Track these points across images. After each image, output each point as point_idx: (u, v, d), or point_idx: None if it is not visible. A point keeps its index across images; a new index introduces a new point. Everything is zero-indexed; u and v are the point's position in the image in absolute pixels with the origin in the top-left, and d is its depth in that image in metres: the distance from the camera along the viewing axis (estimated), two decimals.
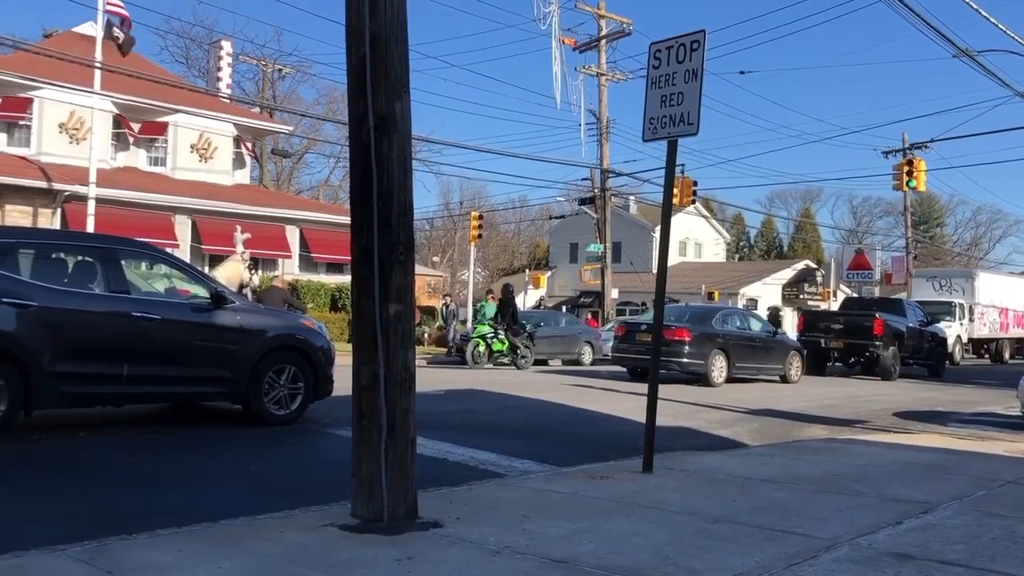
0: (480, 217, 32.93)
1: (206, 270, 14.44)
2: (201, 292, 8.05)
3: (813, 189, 71.09)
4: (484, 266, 59.30)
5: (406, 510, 4.20)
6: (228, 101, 30.94)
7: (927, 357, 21.51)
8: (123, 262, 7.61)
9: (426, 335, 28.50)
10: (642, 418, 6.27)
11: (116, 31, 20.19)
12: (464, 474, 6.02)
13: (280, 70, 41.01)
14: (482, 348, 19.49)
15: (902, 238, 42.10)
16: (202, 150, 27.94)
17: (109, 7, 19.91)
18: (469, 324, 24.56)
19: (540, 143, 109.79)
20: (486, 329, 19.78)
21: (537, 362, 21.91)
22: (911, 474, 6.24)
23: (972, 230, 74.66)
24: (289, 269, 27.10)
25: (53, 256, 7.45)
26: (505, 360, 19.90)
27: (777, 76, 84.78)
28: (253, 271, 16.73)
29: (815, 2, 77.24)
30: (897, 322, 20.46)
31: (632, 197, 45.78)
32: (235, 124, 29.24)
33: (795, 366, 17.59)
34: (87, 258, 7.53)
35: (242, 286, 15.10)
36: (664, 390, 8.86)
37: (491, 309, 21.19)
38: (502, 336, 19.70)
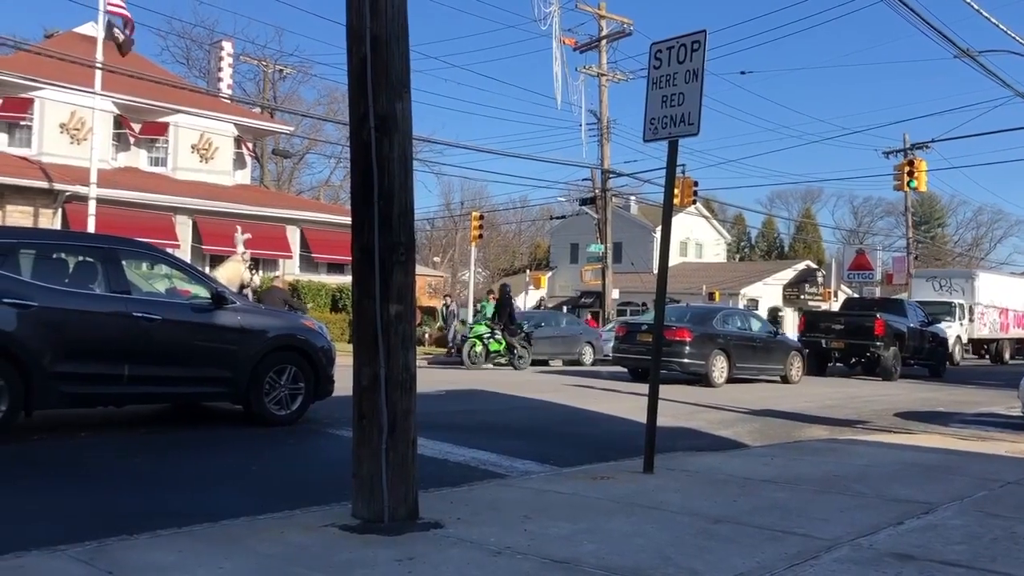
0: (481, 217, 32.92)
1: (207, 270, 14.44)
2: (202, 292, 8.05)
3: (814, 189, 71.16)
4: (485, 266, 59.30)
5: (407, 511, 4.19)
6: (229, 101, 30.95)
7: (928, 357, 21.50)
8: (124, 262, 7.61)
9: (427, 335, 28.50)
10: (643, 418, 6.27)
11: (117, 32, 20.19)
12: (465, 474, 6.02)
13: (281, 70, 41.05)
14: (479, 348, 19.44)
15: (903, 238, 42.15)
16: (203, 150, 27.96)
17: (111, 8, 19.90)
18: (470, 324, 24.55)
19: (541, 143, 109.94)
20: (483, 329, 19.73)
21: (538, 362, 21.90)
22: (912, 474, 6.23)
23: (973, 230, 74.72)
24: (290, 269, 27.11)
25: (54, 256, 7.46)
26: (502, 360, 19.84)
27: (778, 76, 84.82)
28: (254, 271, 16.71)
29: (816, 2, 77.30)
30: (898, 322, 20.46)
31: (633, 197, 45.77)
32: (236, 124, 29.25)
33: (796, 366, 17.58)
34: (88, 258, 7.53)
35: (243, 286, 15.09)
36: (665, 390, 8.86)
37: (492, 309, 21.19)
38: (499, 336, 19.64)
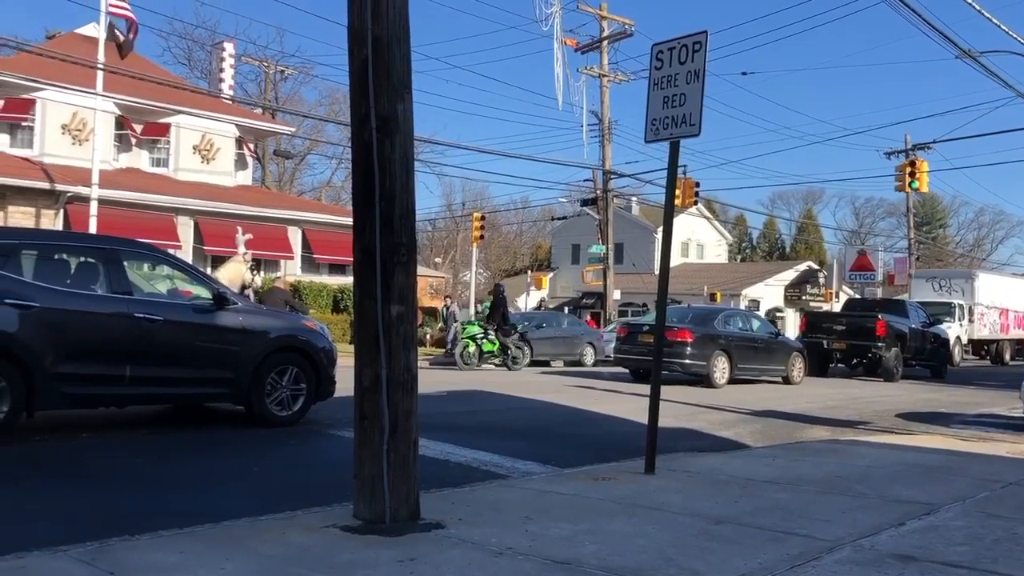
0: (482, 218, 32.93)
1: (208, 271, 14.45)
2: (203, 293, 8.05)
3: (815, 190, 71.12)
4: (486, 267, 59.31)
5: (408, 511, 4.20)
6: (230, 102, 30.97)
7: (929, 358, 21.49)
8: (125, 263, 7.62)
9: (428, 336, 28.51)
10: (644, 419, 6.28)
11: (119, 33, 20.20)
12: (466, 475, 6.03)
13: (282, 71, 41.10)
14: (472, 349, 19.32)
15: (904, 239, 42.14)
16: (204, 151, 27.98)
17: (114, 10, 19.91)
18: None
19: (542, 144, 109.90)
20: (476, 330, 19.63)
21: (539, 363, 21.89)
22: (914, 475, 6.23)
23: (975, 231, 74.64)
24: (291, 270, 27.13)
25: (55, 257, 7.47)
26: (496, 361, 19.74)
27: (779, 77, 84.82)
28: (255, 272, 16.70)
29: (817, 3, 77.18)
30: (899, 323, 20.45)
31: (634, 198, 45.75)
32: (237, 125, 29.27)
33: (797, 367, 17.57)
34: (89, 259, 7.54)
35: (244, 287, 15.09)
36: (666, 391, 8.87)
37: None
38: (492, 336, 19.52)
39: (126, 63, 21.10)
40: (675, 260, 43.90)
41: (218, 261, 20.86)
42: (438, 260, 58.54)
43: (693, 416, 10.59)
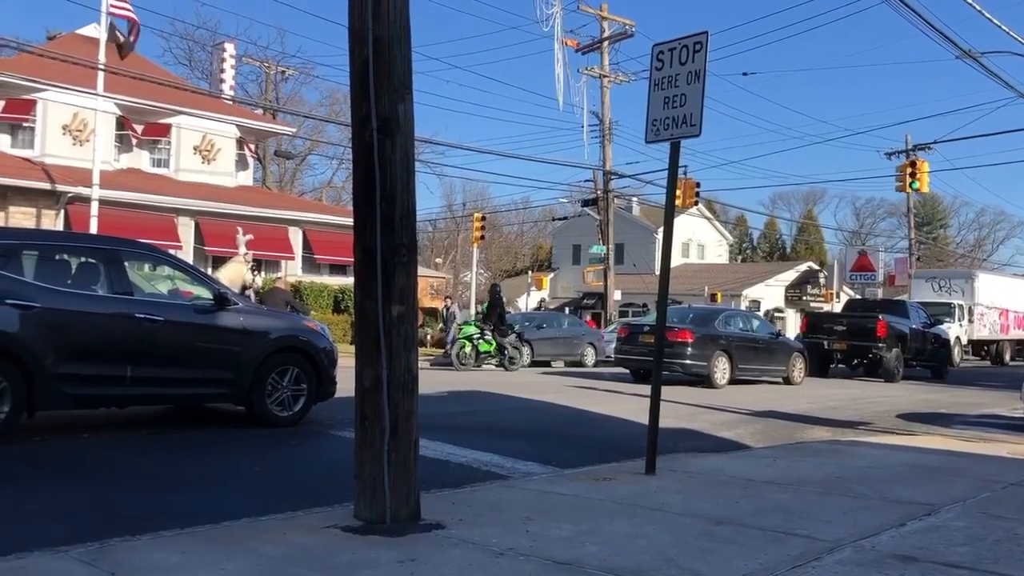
0: (483, 219, 32.92)
1: (209, 272, 14.46)
2: (204, 293, 8.05)
3: (816, 190, 71.14)
4: (487, 267, 59.31)
5: (409, 512, 4.20)
6: (231, 103, 30.99)
7: (930, 359, 21.48)
8: (126, 263, 7.62)
9: (428, 337, 28.52)
10: (645, 420, 6.27)
11: (119, 34, 20.20)
12: (467, 476, 6.03)
13: (283, 72, 41.12)
14: (468, 349, 19.28)
15: (905, 240, 42.12)
16: (205, 152, 27.99)
17: (116, 10, 19.91)
18: None
19: (543, 145, 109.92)
20: (472, 330, 19.58)
21: (539, 364, 21.89)
22: (914, 476, 6.23)
23: (976, 232, 74.61)
24: (292, 271, 27.14)
25: (56, 257, 7.47)
26: (493, 361, 19.69)
27: (780, 77, 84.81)
28: (256, 273, 16.69)
29: (818, 4, 77.15)
30: (900, 324, 20.44)
31: (635, 199, 45.79)
32: (238, 126, 29.28)
33: (798, 368, 17.57)
34: (90, 259, 7.54)
35: (244, 287, 15.08)
36: (667, 392, 8.87)
37: None
38: (488, 337, 19.47)
39: (127, 64, 21.11)
40: (676, 260, 43.89)
41: (219, 262, 20.88)
42: (439, 261, 58.56)
43: (694, 417, 10.59)
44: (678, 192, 17.79)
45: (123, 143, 26.81)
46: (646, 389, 7.14)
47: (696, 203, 31.78)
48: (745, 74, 65.63)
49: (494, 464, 6.68)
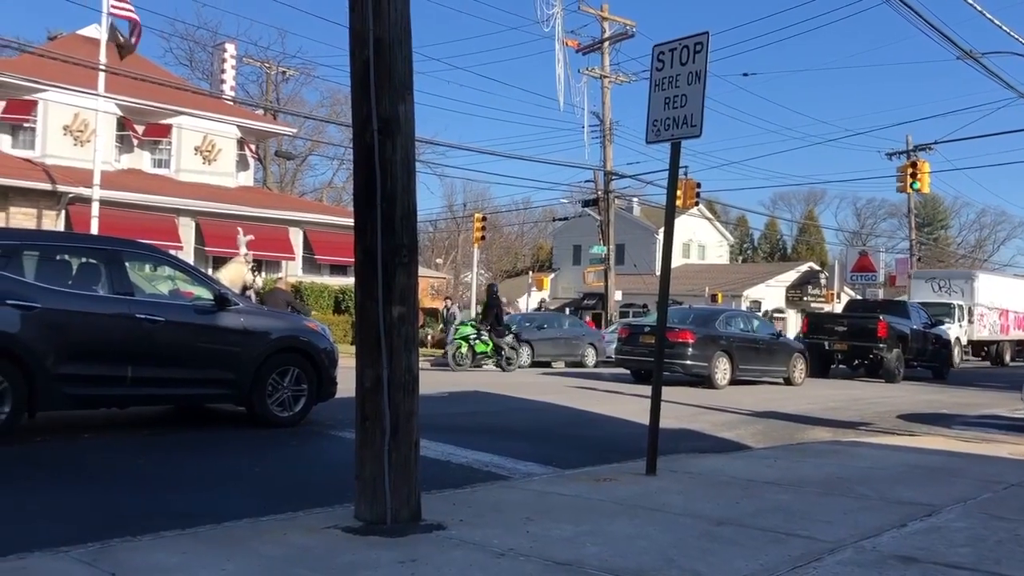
0: (483, 219, 32.90)
1: (209, 272, 14.46)
2: (204, 294, 8.06)
3: (817, 191, 71.16)
4: (487, 268, 59.29)
5: (409, 512, 4.20)
6: (232, 103, 31.00)
7: (931, 359, 21.47)
8: (127, 264, 7.62)
9: (429, 337, 28.53)
10: (645, 420, 6.27)
11: (120, 35, 20.20)
12: (467, 476, 6.02)
13: (284, 72, 41.14)
14: (464, 349, 19.22)
15: (906, 240, 42.15)
16: (206, 152, 28.00)
17: (116, 11, 19.91)
18: None
19: (543, 145, 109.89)
20: (468, 330, 19.52)
21: (540, 364, 21.89)
22: (915, 476, 6.23)
23: (976, 232, 74.59)
24: (292, 271, 27.14)
25: (57, 258, 7.47)
26: (489, 362, 19.64)
27: (781, 78, 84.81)
28: (256, 273, 16.70)
29: (819, 4, 77.25)
30: (901, 324, 20.43)
31: (635, 199, 45.80)
32: (239, 126, 29.29)
33: (799, 368, 17.56)
34: (91, 260, 7.54)
35: (245, 288, 15.08)
36: (667, 392, 8.86)
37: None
38: (485, 337, 19.41)
39: (127, 64, 21.11)
40: (676, 261, 43.89)
41: (219, 262, 20.88)
42: (439, 261, 58.55)
43: (694, 417, 10.59)
44: (679, 192, 17.76)
45: (124, 143, 26.82)
46: (647, 390, 7.14)
47: (697, 203, 31.79)
48: (746, 75, 65.72)
49: (495, 465, 6.68)
